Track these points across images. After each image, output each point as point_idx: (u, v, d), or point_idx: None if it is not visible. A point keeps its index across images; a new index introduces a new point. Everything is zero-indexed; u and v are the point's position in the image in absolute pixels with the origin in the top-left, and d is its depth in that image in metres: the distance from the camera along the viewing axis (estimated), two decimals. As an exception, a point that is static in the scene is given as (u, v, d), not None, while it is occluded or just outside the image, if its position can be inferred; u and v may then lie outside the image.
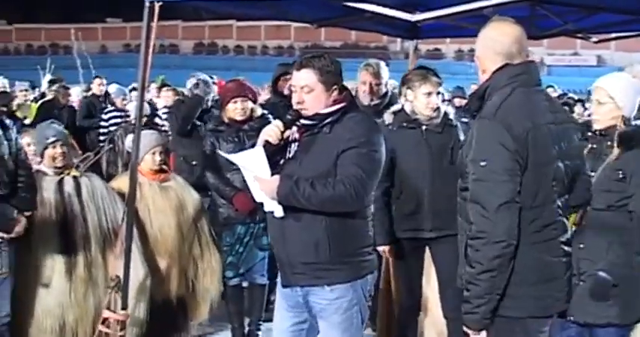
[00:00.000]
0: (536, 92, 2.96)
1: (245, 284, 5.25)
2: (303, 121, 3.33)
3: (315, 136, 3.31)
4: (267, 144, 3.29)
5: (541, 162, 2.84)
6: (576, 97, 11.91)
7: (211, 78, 9.72)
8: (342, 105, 3.33)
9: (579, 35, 5.62)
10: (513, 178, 2.75)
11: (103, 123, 9.58)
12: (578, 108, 10.37)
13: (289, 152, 3.37)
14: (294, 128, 3.37)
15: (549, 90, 9.67)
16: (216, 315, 5.55)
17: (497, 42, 2.90)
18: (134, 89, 9.37)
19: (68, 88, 10.73)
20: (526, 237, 2.81)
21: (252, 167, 3.28)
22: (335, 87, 3.33)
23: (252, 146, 3.49)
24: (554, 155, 2.91)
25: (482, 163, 2.75)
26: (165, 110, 8.56)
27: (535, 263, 2.84)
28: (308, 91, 3.30)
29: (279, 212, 3.28)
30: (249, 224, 5.05)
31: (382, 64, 5.42)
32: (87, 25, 47.71)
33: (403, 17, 4.36)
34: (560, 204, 2.95)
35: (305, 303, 3.43)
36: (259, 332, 5.36)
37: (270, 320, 5.48)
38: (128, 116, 9.51)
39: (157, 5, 3.90)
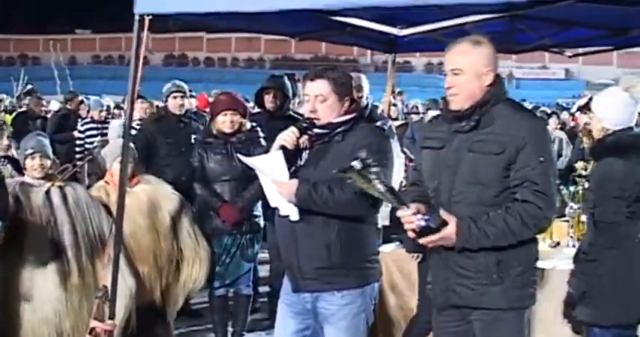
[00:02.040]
0: None
1: (230, 294, 5.30)
2: (316, 130, 3.41)
3: (328, 144, 3.39)
4: (282, 149, 3.35)
5: None
6: (549, 110, 12.22)
7: (190, 91, 9.72)
8: (353, 115, 3.43)
9: (554, 49, 5.78)
10: None
11: (79, 135, 9.54)
12: (553, 121, 10.62)
13: (300, 159, 3.44)
14: (305, 136, 3.43)
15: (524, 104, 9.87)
16: (200, 324, 5.60)
17: (495, 57, 3.12)
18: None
19: (42, 99, 10.65)
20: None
21: (271, 170, 3.33)
22: (347, 98, 3.43)
23: (248, 154, 3.54)
24: None
25: (542, 158, 3.01)
26: (139, 122, 8.39)
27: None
28: (322, 101, 3.38)
29: (294, 215, 3.34)
30: (235, 235, 5.10)
31: (363, 77, 5.41)
32: (56, 37, 47.33)
33: (389, 31, 4.45)
34: None
35: (312, 309, 3.46)
36: (243, 342, 5.40)
37: (252, 330, 5.57)
38: (105, 128, 9.51)
39: (147, 19, 3.95)
